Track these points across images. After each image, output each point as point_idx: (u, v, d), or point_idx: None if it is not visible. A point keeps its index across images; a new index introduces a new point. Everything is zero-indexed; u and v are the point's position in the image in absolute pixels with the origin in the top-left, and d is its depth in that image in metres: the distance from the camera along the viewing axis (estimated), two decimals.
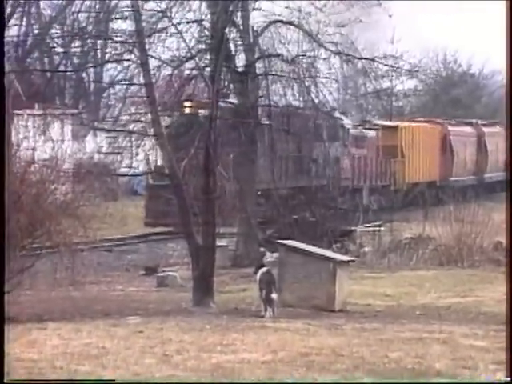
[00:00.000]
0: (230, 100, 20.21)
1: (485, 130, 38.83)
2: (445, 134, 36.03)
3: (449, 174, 35.61)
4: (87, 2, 31.51)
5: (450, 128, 36.73)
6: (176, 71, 15.41)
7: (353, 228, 23.20)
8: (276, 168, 22.57)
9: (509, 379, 7.21)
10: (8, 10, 39.49)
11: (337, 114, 26.15)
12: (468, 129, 38.69)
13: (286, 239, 14.68)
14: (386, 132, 31.39)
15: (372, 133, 30.64)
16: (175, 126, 21.77)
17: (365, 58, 20.07)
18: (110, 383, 7.03)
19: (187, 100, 23.29)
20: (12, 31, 39.61)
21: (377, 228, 23.34)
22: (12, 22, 39.43)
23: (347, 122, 28.66)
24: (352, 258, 15.36)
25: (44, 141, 14.22)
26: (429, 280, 16.63)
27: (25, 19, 39.58)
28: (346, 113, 25.83)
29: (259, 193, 22.03)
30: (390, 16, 19.40)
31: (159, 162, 20.13)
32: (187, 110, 23.04)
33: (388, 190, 30.89)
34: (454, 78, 51.36)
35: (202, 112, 22.49)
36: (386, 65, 20.53)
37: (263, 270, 12.44)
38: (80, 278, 12.32)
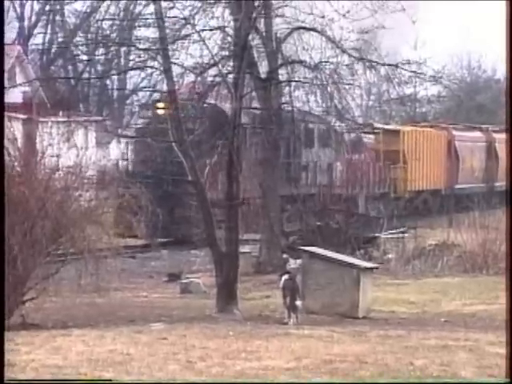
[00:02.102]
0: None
1: (496, 135, 36.59)
2: (450, 140, 34.39)
3: (454, 182, 33.99)
4: (111, 10, 31.65)
5: (455, 133, 35.08)
6: (199, 78, 15.46)
7: (376, 235, 23.11)
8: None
9: (509, 380, 7.15)
10: (33, 18, 39.96)
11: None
12: (476, 134, 36.92)
13: (309, 246, 14.66)
14: (387, 136, 29.35)
15: (371, 137, 28.83)
16: (148, 128, 21.37)
17: (388, 64, 20.02)
18: (107, 383, 7.03)
19: (159, 101, 22.90)
20: (37, 39, 40.06)
21: (401, 235, 23.24)
22: (37, 30, 39.83)
23: (341, 125, 26.78)
24: (376, 265, 15.31)
25: (68, 148, 14.30)
26: (454, 287, 16.53)
27: (49, 27, 39.92)
28: (342, 117, 24.71)
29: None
30: (414, 22, 19.34)
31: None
32: (160, 111, 22.51)
33: (388, 198, 29.00)
34: (478, 83, 51.13)
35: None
36: (409, 71, 20.46)
37: (286, 276, 12.43)
38: (104, 284, 12.35)
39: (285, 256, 13.64)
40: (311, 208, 23.07)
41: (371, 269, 13.86)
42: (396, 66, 20.01)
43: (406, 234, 23.21)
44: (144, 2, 15.08)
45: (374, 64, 19.83)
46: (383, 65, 20.01)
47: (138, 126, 22.92)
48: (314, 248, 14.14)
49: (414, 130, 32.78)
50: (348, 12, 18.95)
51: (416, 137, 31.91)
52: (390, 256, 20.85)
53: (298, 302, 12.10)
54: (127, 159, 23.60)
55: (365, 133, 28.30)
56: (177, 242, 23.41)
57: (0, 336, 7.43)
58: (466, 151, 35.35)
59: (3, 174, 9.91)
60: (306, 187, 24.12)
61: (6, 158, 12.19)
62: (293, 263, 12.90)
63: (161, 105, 22.01)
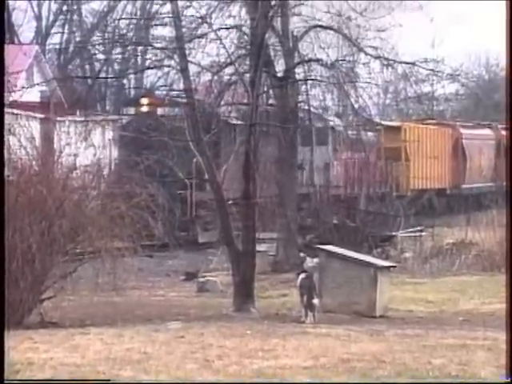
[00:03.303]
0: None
1: (506, 133, 35.35)
2: (457, 137, 33.24)
3: (461, 181, 32.88)
4: (128, 9, 31.82)
5: (462, 131, 33.89)
6: (216, 77, 15.46)
7: (394, 233, 23.03)
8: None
9: (509, 380, 7.10)
10: (51, 18, 40.15)
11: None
12: (485, 132, 35.71)
13: (326, 244, 14.64)
14: (389, 133, 27.75)
15: (371, 134, 27.06)
16: (130, 125, 21.00)
17: (405, 63, 19.94)
18: (106, 383, 7.04)
19: (144, 96, 22.45)
20: (54, 39, 40.25)
21: (418, 233, 23.15)
22: (54, 29, 40.01)
23: (338, 123, 25.78)
24: (393, 264, 15.26)
25: (85, 147, 14.35)
26: (472, 286, 16.45)
27: (67, 27, 40.08)
28: (340, 114, 23.71)
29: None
30: (432, 20, 19.27)
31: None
32: (144, 108, 21.65)
33: (389, 197, 27.51)
34: (496, 81, 50.82)
35: (160, 110, 21.62)
36: (426, 69, 20.39)
37: (303, 275, 12.42)
38: (121, 283, 12.39)
39: (302, 255, 13.63)
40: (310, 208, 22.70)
41: (388, 267, 13.81)
42: (413, 64, 19.92)
43: (423, 233, 23.11)
44: (161, 2, 15.09)
45: (391, 62, 19.76)
46: (400, 63, 19.94)
47: (123, 123, 22.16)
48: (330, 247, 14.11)
49: (416, 127, 31.38)
50: (365, 10, 18.92)
51: (419, 134, 30.46)
52: (407, 255, 20.77)
53: (315, 301, 12.08)
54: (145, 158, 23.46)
55: (365, 130, 26.48)
56: (193, 241, 23.45)
57: (0, 336, 7.43)
58: (473, 150, 34.19)
59: (3, 174, 9.95)
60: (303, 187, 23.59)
61: (24, 157, 12.27)
62: (310, 262, 12.88)
63: (145, 101, 21.62)
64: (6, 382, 6.91)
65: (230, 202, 13.78)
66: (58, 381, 7.06)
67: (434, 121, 35.02)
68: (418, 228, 23.94)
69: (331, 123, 25.32)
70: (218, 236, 20.99)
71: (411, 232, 23.33)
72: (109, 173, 12.77)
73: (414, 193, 29.02)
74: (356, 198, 25.88)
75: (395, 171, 28.53)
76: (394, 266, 14.98)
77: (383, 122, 28.70)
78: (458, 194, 32.07)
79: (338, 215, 22.79)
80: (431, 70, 20.54)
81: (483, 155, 35.01)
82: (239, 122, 17.20)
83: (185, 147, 17.94)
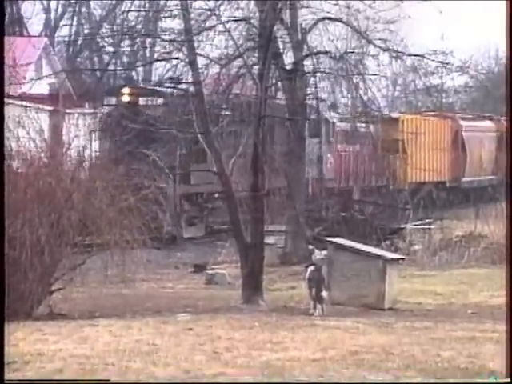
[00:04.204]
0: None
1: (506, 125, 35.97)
2: (456, 130, 32.50)
3: (461, 174, 32.18)
4: (136, 2, 31.75)
5: (462, 123, 33.14)
6: (224, 69, 15.43)
7: (402, 226, 22.99)
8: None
9: (509, 380, 7.08)
10: (59, 10, 40.17)
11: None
12: (486, 124, 34.83)
13: (334, 237, 14.63)
14: (386, 125, 26.53)
15: (367, 126, 25.86)
16: (111, 116, 20.02)
17: (414, 55, 19.85)
18: (105, 383, 7.04)
19: (125, 86, 21.97)
20: (63, 31, 40.28)
21: (427, 226, 23.11)
22: (63, 21, 40.04)
23: (332, 115, 25.13)
24: (402, 256, 15.25)
25: (94, 139, 14.35)
26: (481, 278, 16.41)
27: (75, 19, 40.08)
28: (336, 105, 23.00)
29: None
30: (441, 12, 19.17)
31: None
32: (125, 98, 20.96)
33: (386, 191, 26.87)
34: (506, 74, 50.43)
35: (142, 100, 21.12)
36: (435, 61, 20.31)
37: (312, 267, 12.41)
38: (130, 275, 12.41)
39: (310, 247, 13.62)
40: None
41: (397, 260, 13.80)
42: (422, 56, 19.84)
43: (432, 226, 23.06)
44: None
45: (399, 54, 19.68)
46: (409, 55, 19.85)
47: (103, 112, 21.63)
48: (339, 239, 14.10)
49: (414, 118, 30.44)
50: (374, 2, 18.83)
51: (417, 125, 29.35)
52: (416, 247, 20.75)
53: (324, 293, 12.08)
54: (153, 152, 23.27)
55: (361, 122, 25.75)
56: (224, 231, 23.16)
57: (0, 336, 7.45)
58: (474, 142, 33.39)
59: (3, 173, 9.96)
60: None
61: (33, 149, 12.29)
62: (318, 254, 12.87)
63: (126, 90, 21.19)
64: (6, 382, 6.91)
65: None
66: (58, 381, 7.05)
67: (433, 112, 34.28)
68: (427, 220, 23.89)
69: (326, 115, 24.68)
70: (205, 231, 20.80)
71: (420, 224, 23.28)
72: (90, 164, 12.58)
73: (411, 186, 28.34)
74: (351, 190, 25.56)
75: (392, 165, 27.83)
76: (403, 259, 14.97)
77: (381, 114, 28.24)
78: (457, 187, 31.44)
79: (333, 207, 22.43)
80: (440, 62, 20.44)
81: (484, 148, 34.23)
82: (227, 113, 17.03)
83: (168, 139, 17.57)
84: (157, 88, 21.41)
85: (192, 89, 14.07)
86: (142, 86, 21.40)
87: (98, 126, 16.43)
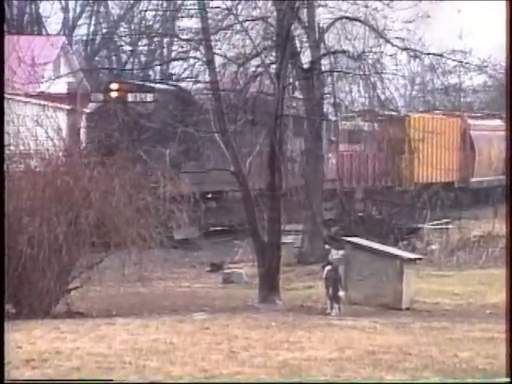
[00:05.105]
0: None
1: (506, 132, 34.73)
2: (465, 129, 31.87)
3: (469, 174, 31.57)
4: (154, 1, 31.82)
5: (471, 121, 32.46)
6: (241, 68, 15.44)
7: (420, 225, 22.89)
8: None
9: (509, 379, 7.03)
10: (77, 9, 40.33)
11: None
12: (495, 122, 33.64)
13: (351, 236, 14.60)
14: (392, 124, 25.22)
15: (372, 125, 25.63)
16: (99, 112, 18.99)
17: (432, 54, 19.78)
18: (108, 383, 7.04)
19: (113, 82, 20.81)
20: (81, 30, 40.43)
21: (444, 226, 23.00)
22: (81, 21, 40.18)
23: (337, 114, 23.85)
24: (419, 256, 15.19)
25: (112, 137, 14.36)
26: (499, 279, 16.27)
27: (93, 18, 40.22)
28: (340, 104, 21.36)
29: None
30: (459, 11, 19.10)
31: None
32: (113, 94, 20.19)
33: (391, 192, 26.14)
34: None
35: (130, 96, 19.87)
36: (454, 60, 20.22)
37: (329, 267, 12.39)
38: (147, 274, 12.44)
39: (327, 247, 13.60)
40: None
41: (415, 260, 13.75)
42: (441, 55, 19.76)
43: (450, 226, 22.95)
44: None
45: (418, 54, 19.61)
46: (427, 54, 19.78)
47: (89, 111, 20.67)
48: (356, 239, 14.07)
49: (421, 117, 29.64)
50: (392, 1, 18.77)
51: (424, 124, 28.25)
52: (433, 247, 20.65)
53: (341, 293, 12.06)
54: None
55: (365, 121, 25.44)
56: (219, 232, 23.28)
57: (0, 336, 7.46)
58: (483, 141, 32.65)
59: (3, 173, 9.99)
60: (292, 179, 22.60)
61: (51, 148, 12.34)
62: (335, 254, 12.86)
63: (114, 86, 20.65)
64: (6, 382, 6.92)
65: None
66: (57, 381, 7.06)
67: (440, 111, 33.64)
68: (445, 220, 23.77)
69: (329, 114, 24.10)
70: (198, 232, 20.46)
71: (438, 224, 23.17)
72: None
73: (418, 186, 27.72)
74: (352, 191, 24.90)
75: (398, 165, 27.17)
76: (420, 259, 14.91)
77: (386, 113, 25.83)
78: (466, 187, 30.86)
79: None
80: (459, 61, 20.36)
81: (493, 147, 33.34)
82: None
83: (157, 140, 17.22)
84: (147, 84, 20.90)
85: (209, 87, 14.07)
86: (131, 81, 20.81)
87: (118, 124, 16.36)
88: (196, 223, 21.19)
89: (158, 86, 20.63)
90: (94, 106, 20.46)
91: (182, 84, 19.49)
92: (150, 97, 20.13)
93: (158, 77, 36.61)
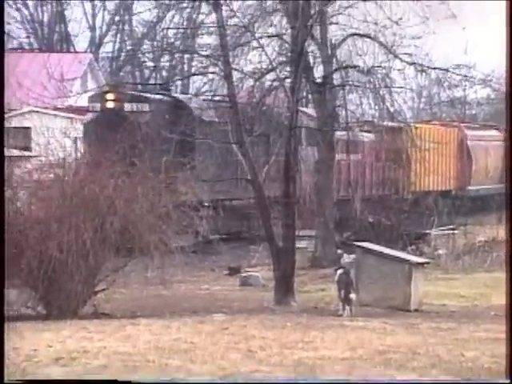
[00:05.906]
0: None
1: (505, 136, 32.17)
2: (462, 139, 31.54)
3: (466, 183, 31.21)
4: (176, 20, 31.94)
5: (467, 132, 32.11)
6: (257, 82, 15.49)
7: (427, 231, 22.81)
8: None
9: (509, 380, 6.97)
10: (104, 28, 40.60)
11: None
12: (491, 133, 33.57)
13: (362, 242, 14.56)
14: (389, 134, 24.85)
15: (370, 136, 25.32)
16: (96, 122, 18.24)
17: (439, 68, 19.78)
18: (111, 382, 7.03)
19: (108, 92, 19.38)
20: (107, 47, 40.70)
21: (451, 231, 22.90)
22: (107, 39, 40.47)
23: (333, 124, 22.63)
24: (427, 260, 15.12)
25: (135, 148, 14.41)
26: (503, 282, 16.19)
27: (119, 36, 40.49)
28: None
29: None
30: (464, 29, 19.07)
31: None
32: (110, 104, 18.90)
33: (388, 200, 25.60)
34: None
35: (127, 106, 18.74)
36: (459, 74, 20.20)
37: (341, 270, 12.38)
38: (169, 277, 12.47)
39: (339, 251, 13.58)
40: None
41: (422, 264, 13.70)
42: (446, 70, 19.75)
43: (456, 231, 22.85)
44: (206, 12, 15.19)
45: (425, 68, 19.61)
46: (434, 69, 19.78)
47: (86, 121, 19.63)
48: (367, 243, 14.04)
49: (419, 128, 28.10)
50: (400, 19, 18.78)
51: (421, 135, 27.19)
52: (440, 252, 20.57)
53: (352, 295, 12.04)
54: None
55: (364, 131, 24.94)
56: (236, 238, 23.23)
57: (0, 336, 7.47)
58: (479, 151, 32.34)
59: (3, 173, 10.03)
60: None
61: (78, 158, 12.40)
62: (347, 258, 12.85)
63: (110, 96, 19.80)
64: (6, 382, 6.92)
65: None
66: (57, 381, 7.06)
67: (437, 122, 33.39)
68: (451, 226, 23.67)
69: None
70: (194, 240, 20.21)
71: (444, 230, 23.07)
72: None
73: (415, 195, 26.95)
74: (349, 200, 24.27)
75: (395, 174, 26.69)
76: (428, 263, 14.84)
77: (384, 123, 25.01)
78: (463, 195, 30.23)
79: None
80: (464, 75, 20.33)
81: (489, 156, 33.04)
82: (214, 119, 16.57)
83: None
84: (143, 94, 20.16)
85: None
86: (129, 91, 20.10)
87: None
88: (193, 231, 20.94)
89: (154, 96, 20.04)
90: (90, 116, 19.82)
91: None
92: (147, 107, 19.48)
93: (179, 91, 36.76)
